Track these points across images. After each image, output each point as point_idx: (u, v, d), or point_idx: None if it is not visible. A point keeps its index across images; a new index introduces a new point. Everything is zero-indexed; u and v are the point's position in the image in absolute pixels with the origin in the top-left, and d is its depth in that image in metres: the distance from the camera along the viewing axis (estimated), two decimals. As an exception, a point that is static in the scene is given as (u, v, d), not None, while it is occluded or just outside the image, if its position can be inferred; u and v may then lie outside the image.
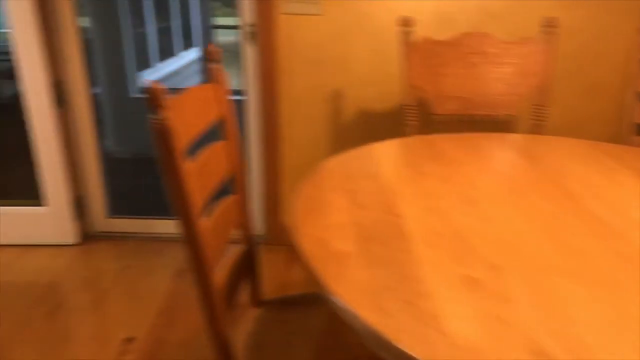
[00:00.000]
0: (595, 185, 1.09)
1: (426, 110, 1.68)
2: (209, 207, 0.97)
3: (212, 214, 0.98)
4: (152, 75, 5.06)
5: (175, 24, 6.07)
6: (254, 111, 2.18)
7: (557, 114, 2.07)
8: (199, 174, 0.91)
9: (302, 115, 2.14)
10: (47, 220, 2.25)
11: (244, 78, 2.16)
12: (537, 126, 1.62)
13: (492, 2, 1.93)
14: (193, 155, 0.90)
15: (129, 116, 4.00)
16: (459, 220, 0.92)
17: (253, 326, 1.13)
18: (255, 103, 2.17)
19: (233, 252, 1.14)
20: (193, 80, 6.54)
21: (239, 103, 3.98)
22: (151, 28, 5.06)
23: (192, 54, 6.69)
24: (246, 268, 1.18)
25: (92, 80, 2.26)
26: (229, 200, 1.09)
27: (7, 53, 5.17)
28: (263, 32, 2.03)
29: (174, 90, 0.82)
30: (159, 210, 2.85)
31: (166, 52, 5.67)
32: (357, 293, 0.70)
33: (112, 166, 3.33)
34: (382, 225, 0.89)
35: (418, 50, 1.59)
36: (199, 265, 0.88)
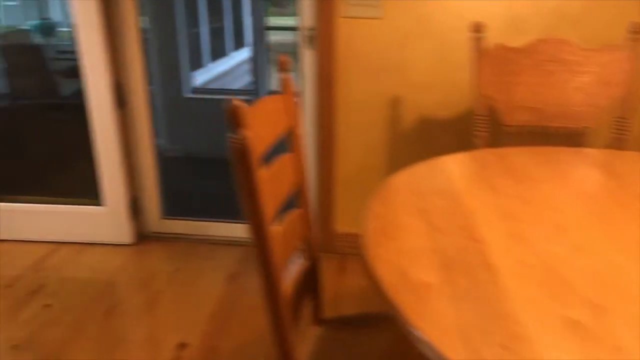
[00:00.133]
0: (698, 213, 0.98)
1: (495, 121, 1.59)
2: (276, 218, 0.93)
3: (282, 223, 0.95)
4: (204, 75, 5.12)
5: (227, 23, 6.14)
6: (309, 116, 2.15)
7: None
8: (271, 182, 0.87)
9: (358, 121, 2.09)
10: (105, 220, 2.29)
11: (300, 81, 2.13)
12: (619, 140, 1.50)
13: (569, 4, 1.81)
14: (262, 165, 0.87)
15: (182, 115, 4.05)
16: (547, 249, 0.84)
17: (314, 346, 1.09)
18: (311, 107, 2.13)
19: (296, 268, 1.10)
20: (243, 80, 6.60)
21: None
22: (204, 28, 5.13)
23: (242, 54, 6.75)
24: (308, 285, 1.13)
25: (147, 79, 2.28)
26: (294, 214, 1.05)
27: (66, 52, 5.36)
28: (322, 36, 1.99)
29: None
30: (210, 210, 2.86)
31: (218, 52, 5.74)
32: (444, 332, 0.64)
33: (163, 165, 3.38)
34: (463, 252, 0.82)
35: (489, 58, 1.50)
36: (268, 271, 0.84)
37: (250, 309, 1.89)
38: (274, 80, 4.52)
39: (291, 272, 1.06)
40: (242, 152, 0.65)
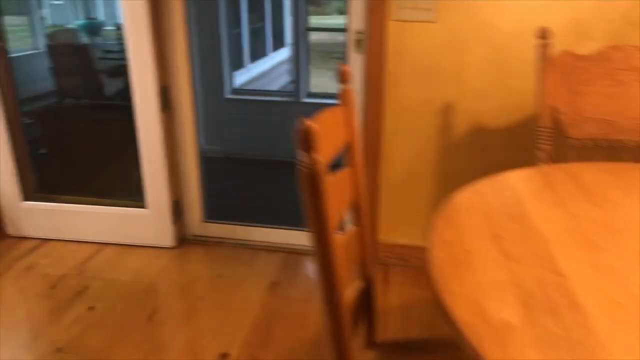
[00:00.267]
0: None
1: (560, 133, 1.48)
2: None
3: (344, 236, 0.89)
4: (244, 75, 5.12)
5: (267, 24, 6.14)
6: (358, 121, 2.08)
7: None
8: (334, 193, 0.82)
9: (406, 128, 2.01)
10: (148, 223, 2.29)
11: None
12: (698, 157, 1.38)
13: (637, 8, 1.69)
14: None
15: (222, 116, 4.06)
16: (640, 286, 0.75)
17: (368, 373, 1.03)
18: (357, 112, 2.06)
19: (351, 288, 1.04)
20: (281, 81, 6.59)
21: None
22: (245, 28, 5.13)
23: (281, 55, 6.74)
24: (363, 306, 1.07)
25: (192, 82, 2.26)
26: (351, 232, 0.99)
27: (111, 51, 5.45)
28: (372, 40, 1.92)
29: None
30: (248, 211, 2.84)
31: (257, 52, 5.74)
32: (535, 385, 0.57)
33: (203, 166, 3.38)
34: (546, 287, 0.75)
35: (556, 66, 1.40)
36: (330, 282, 0.77)
37: (293, 320, 1.84)
38: (312, 81, 4.48)
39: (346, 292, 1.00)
40: (312, 177, 0.60)
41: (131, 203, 2.31)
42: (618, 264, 0.81)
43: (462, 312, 0.69)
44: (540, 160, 1.42)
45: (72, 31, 5.93)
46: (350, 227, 1.00)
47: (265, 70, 5.90)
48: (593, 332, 0.65)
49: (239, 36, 4.96)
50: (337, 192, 0.88)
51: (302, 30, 3.97)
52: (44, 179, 2.52)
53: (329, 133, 0.88)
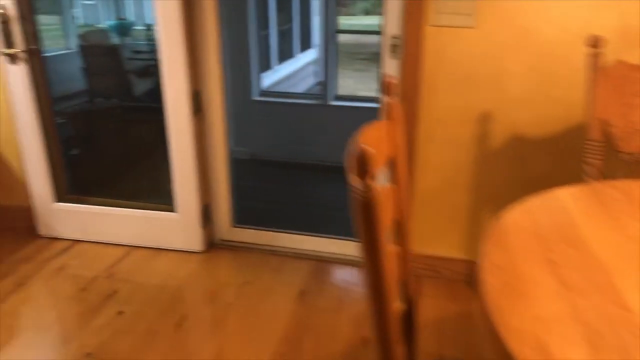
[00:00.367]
0: None
1: (610, 147, 1.41)
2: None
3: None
4: (271, 77, 5.11)
5: (295, 25, 6.11)
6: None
7: None
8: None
9: (442, 136, 1.95)
10: (177, 227, 2.28)
11: (377, 90, 2.02)
12: None
13: (693, 15, 1.60)
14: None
15: (249, 117, 4.04)
16: None
17: (408, 398, 0.98)
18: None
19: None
20: (308, 82, 6.57)
21: (367, 111, 3.87)
22: (273, 30, 5.12)
23: (308, 56, 6.72)
24: (403, 329, 1.03)
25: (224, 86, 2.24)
26: (391, 251, 0.94)
27: (140, 52, 5.48)
28: (408, 45, 1.87)
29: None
30: (275, 215, 2.81)
31: (284, 54, 5.72)
32: None
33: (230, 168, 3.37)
34: (611, 323, 0.69)
35: (607, 76, 1.33)
36: (380, 293, 0.72)
37: (323, 331, 1.81)
38: (340, 82, 4.43)
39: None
40: (367, 205, 0.56)
41: (160, 207, 2.30)
42: (689, 298, 0.75)
43: (523, 349, 0.64)
44: (589, 176, 1.36)
45: (103, 32, 6.01)
46: (391, 246, 0.96)
47: (292, 71, 5.88)
48: (670, 378, 0.60)
49: (267, 37, 4.95)
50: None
51: (331, 32, 3.94)
52: (74, 180, 2.54)
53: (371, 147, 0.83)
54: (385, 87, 0.92)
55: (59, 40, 5.34)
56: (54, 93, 2.37)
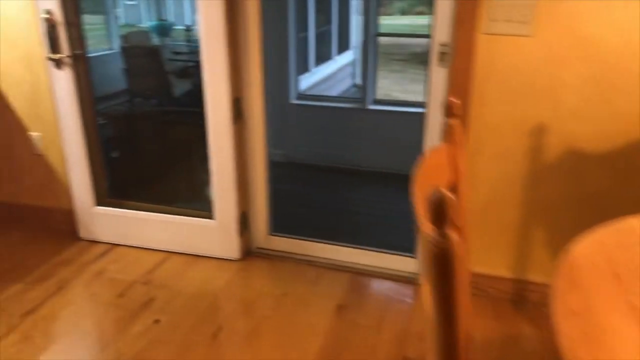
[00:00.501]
0: None
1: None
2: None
3: None
4: (308, 79, 5.07)
5: (334, 27, 6.06)
6: (432, 140, 1.95)
7: None
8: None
9: (492, 150, 1.86)
10: (214, 234, 2.26)
11: (427, 100, 1.94)
12: None
13: None
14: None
15: (287, 120, 4.01)
16: None
17: None
18: (435, 131, 1.93)
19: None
20: (344, 84, 6.50)
21: (406, 116, 3.77)
22: (312, 32, 5.07)
23: (346, 58, 6.65)
24: None
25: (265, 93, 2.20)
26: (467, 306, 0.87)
27: (180, 53, 5.51)
28: (458, 54, 1.78)
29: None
30: (311, 222, 2.76)
31: (322, 56, 5.67)
32: None
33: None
34: None
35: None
36: (452, 355, 0.65)
37: (362, 350, 1.74)
38: (379, 85, 4.35)
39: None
40: (444, 258, 0.49)
41: (198, 213, 2.28)
42: None
43: (612, 419, 0.56)
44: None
45: (145, 33, 6.10)
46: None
47: (329, 74, 5.83)
48: None
49: (305, 40, 4.91)
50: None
51: (372, 34, 3.86)
52: (113, 183, 2.55)
53: (430, 177, 0.77)
54: (447, 108, 0.85)
55: (102, 40, 5.44)
56: (95, 93, 2.37)
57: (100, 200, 2.39)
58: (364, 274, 2.19)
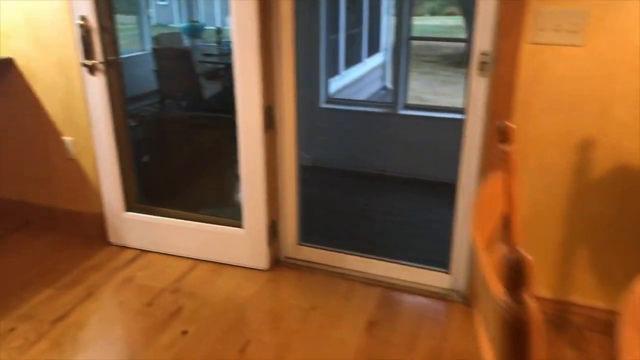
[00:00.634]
0: None
1: None
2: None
3: None
4: (338, 82, 5.01)
5: (364, 29, 5.98)
6: (472, 153, 1.87)
7: None
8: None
9: (535, 164, 1.77)
10: (243, 243, 2.22)
11: (466, 111, 1.86)
12: None
13: None
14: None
15: (316, 124, 3.96)
16: None
17: None
18: (475, 143, 1.85)
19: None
20: (373, 87, 6.42)
21: (438, 122, 3.68)
22: (342, 35, 5.01)
23: (375, 60, 6.56)
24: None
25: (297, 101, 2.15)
26: None
27: (210, 55, 5.52)
28: (501, 64, 1.70)
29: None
30: (340, 229, 2.70)
31: (352, 58, 5.60)
32: None
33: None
34: None
35: None
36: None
37: (393, 370, 1.68)
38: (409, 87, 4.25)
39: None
40: (519, 325, 0.43)
41: (228, 221, 2.26)
42: None
43: None
44: None
45: (176, 34, 6.13)
46: None
47: (359, 76, 5.76)
48: None
49: (336, 42, 4.85)
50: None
51: (405, 38, 3.77)
52: (143, 187, 2.55)
53: (487, 212, 0.71)
54: (502, 133, 0.78)
55: (134, 40, 5.50)
56: (126, 94, 2.36)
57: (130, 206, 2.38)
58: (395, 288, 2.12)
